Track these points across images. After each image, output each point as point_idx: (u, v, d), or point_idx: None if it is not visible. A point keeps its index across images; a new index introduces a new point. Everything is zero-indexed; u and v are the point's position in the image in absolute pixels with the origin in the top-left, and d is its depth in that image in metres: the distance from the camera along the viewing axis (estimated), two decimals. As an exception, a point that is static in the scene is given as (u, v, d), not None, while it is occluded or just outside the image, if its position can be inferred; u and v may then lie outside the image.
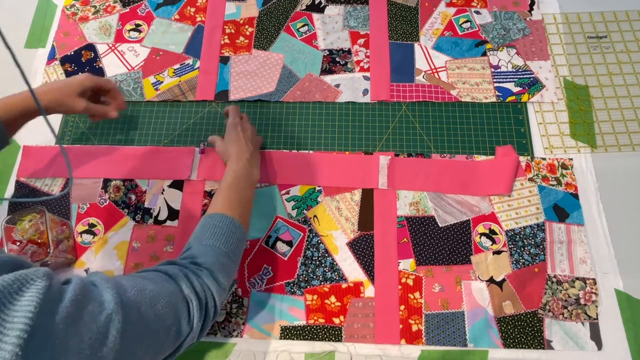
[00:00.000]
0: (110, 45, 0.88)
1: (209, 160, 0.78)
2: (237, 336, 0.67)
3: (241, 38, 0.88)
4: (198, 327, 0.50)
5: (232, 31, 0.88)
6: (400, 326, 0.67)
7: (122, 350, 0.37)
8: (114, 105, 0.72)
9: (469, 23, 0.87)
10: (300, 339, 0.67)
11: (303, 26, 0.88)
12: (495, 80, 0.82)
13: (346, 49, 0.86)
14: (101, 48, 0.88)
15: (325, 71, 0.84)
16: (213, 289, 0.52)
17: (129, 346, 0.39)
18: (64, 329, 0.33)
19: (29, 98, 0.62)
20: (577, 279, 0.69)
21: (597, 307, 0.67)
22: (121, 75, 0.85)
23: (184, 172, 0.77)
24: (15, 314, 0.31)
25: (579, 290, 0.68)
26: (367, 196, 0.75)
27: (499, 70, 0.83)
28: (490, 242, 0.72)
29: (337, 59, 0.85)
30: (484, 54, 0.84)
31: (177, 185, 0.76)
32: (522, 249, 0.71)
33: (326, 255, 0.71)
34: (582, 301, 0.67)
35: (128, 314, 0.39)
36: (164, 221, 0.74)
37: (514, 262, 0.70)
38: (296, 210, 0.74)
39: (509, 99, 0.80)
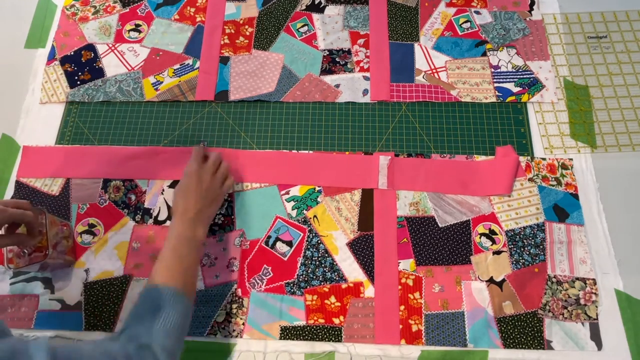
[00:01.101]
0: (110, 46, 0.88)
1: (209, 160, 0.78)
2: (237, 336, 0.67)
3: (241, 38, 0.88)
4: None
5: (232, 31, 0.88)
6: (400, 326, 0.67)
7: None
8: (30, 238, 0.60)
9: (469, 23, 0.87)
10: (300, 339, 0.67)
11: (303, 26, 0.88)
12: (495, 80, 0.82)
13: (346, 49, 0.86)
14: (101, 48, 0.88)
15: (325, 71, 0.84)
16: None
17: None
18: None
19: None
20: (577, 279, 0.69)
21: (597, 307, 0.67)
22: (121, 75, 0.85)
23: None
24: None
25: (579, 291, 0.68)
26: (367, 196, 0.75)
27: (499, 70, 0.83)
28: (490, 242, 0.71)
29: (337, 59, 0.85)
30: (484, 54, 0.84)
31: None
32: (522, 249, 0.71)
33: (326, 255, 0.71)
34: (582, 301, 0.67)
35: None
36: (164, 221, 0.74)
37: (514, 262, 0.70)
38: (296, 210, 0.74)
39: (509, 99, 0.80)
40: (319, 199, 0.75)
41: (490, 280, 0.69)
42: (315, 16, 0.89)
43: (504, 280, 0.69)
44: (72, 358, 0.41)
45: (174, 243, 0.62)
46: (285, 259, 0.71)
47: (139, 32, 0.89)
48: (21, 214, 0.58)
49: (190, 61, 0.86)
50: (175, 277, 0.58)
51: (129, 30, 0.89)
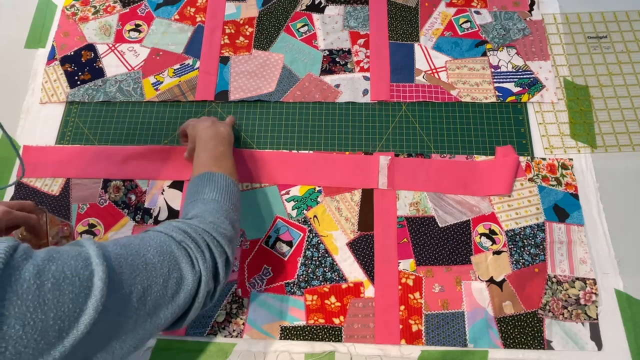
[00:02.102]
0: (110, 46, 0.88)
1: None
2: (237, 336, 0.67)
3: (241, 38, 0.88)
4: (207, 271, 0.48)
5: (232, 31, 0.88)
6: (400, 326, 0.67)
7: (112, 302, 0.38)
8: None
9: (469, 23, 0.87)
10: (300, 339, 0.67)
11: (303, 26, 0.88)
12: (495, 80, 0.82)
13: (346, 49, 0.86)
14: (101, 48, 0.88)
15: (325, 71, 0.84)
16: (209, 230, 0.51)
17: (119, 298, 0.39)
18: (37, 285, 0.33)
19: None
20: (577, 279, 0.69)
21: (597, 307, 0.67)
22: (121, 75, 0.85)
23: (184, 173, 0.77)
24: None
25: (579, 291, 0.68)
26: (367, 196, 0.75)
27: (499, 70, 0.83)
28: (490, 242, 0.72)
29: (337, 59, 0.85)
30: (484, 54, 0.84)
31: (177, 185, 0.76)
32: (522, 249, 0.71)
33: (326, 255, 0.71)
34: (582, 301, 0.67)
35: (112, 265, 0.39)
36: (164, 221, 0.74)
37: (514, 262, 0.70)
38: (296, 210, 0.74)
39: (509, 99, 0.80)
40: (319, 199, 0.75)
41: (491, 280, 0.69)
42: (315, 16, 0.89)
43: (504, 280, 0.69)
44: (122, 253, 0.42)
45: (198, 150, 0.66)
46: (286, 259, 0.71)
47: (139, 32, 0.89)
48: (25, 217, 0.58)
49: (190, 61, 0.86)
50: (207, 166, 0.62)
51: (129, 30, 0.89)
